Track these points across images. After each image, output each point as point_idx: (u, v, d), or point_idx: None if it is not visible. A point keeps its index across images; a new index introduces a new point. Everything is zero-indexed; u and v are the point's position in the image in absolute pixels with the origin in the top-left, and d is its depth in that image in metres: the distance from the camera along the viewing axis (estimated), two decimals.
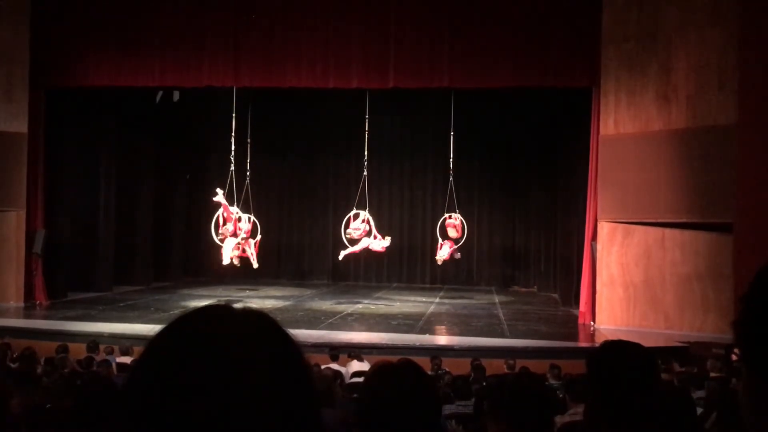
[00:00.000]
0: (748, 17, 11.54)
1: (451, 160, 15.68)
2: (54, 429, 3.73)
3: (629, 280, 13.18)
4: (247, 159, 15.90)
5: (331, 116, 19.94)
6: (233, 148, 15.24)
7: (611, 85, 13.39)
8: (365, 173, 15.46)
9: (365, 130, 15.53)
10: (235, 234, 15.03)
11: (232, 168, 15.19)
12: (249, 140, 16.12)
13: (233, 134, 15.29)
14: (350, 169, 19.16)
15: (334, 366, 8.63)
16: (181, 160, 21.11)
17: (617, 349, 2.23)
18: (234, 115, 15.35)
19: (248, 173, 15.70)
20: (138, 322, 12.24)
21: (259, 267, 15.92)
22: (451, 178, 15.75)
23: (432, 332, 12.78)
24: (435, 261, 16.41)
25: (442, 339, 12.34)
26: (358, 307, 15.71)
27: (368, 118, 15.49)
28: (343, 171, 20.87)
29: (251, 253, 15.38)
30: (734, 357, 7.44)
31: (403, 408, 1.81)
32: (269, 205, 20.23)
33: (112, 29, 14.74)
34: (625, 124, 13.32)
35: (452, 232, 16.01)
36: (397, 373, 1.91)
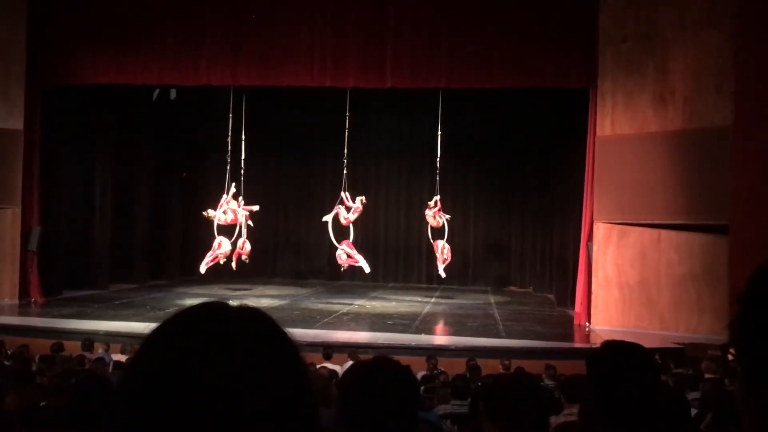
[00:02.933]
0: (744, 19, 11.55)
1: (438, 159, 15.73)
2: (49, 427, 3.72)
3: (625, 281, 13.19)
4: (241, 157, 15.88)
5: (327, 115, 19.88)
6: (229, 149, 15.26)
7: (608, 87, 13.40)
8: (345, 172, 15.48)
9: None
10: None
11: (228, 168, 15.22)
12: (243, 138, 16.06)
13: (230, 135, 15.30)
14: (346, 168, 19.16)
15: (330, 365, 8.63)
16: (177, 158, 21.07)
17: (618, 349, 2.23)
18: (231, 115, 15.35)
19: (242, 170, 15.66)
20: (134, 320, 12.21)
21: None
22: (438, 178, 15.81)
23: (428, 332, 12.78)
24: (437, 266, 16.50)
25: (438, 339, 12.34)
26: (354, 306, 15.71)
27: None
28: (338, 170, 20.82)
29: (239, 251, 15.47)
30: (730, 357, 7.45)
31: (377, 401, 1.83)
32: (265, 203, 20.16)
33: (110, 27, 14.72)
34: (621, 125, 13.34)
35: (432, 221, 16.13)
36: (370, 368, 1.94)
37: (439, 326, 13.71)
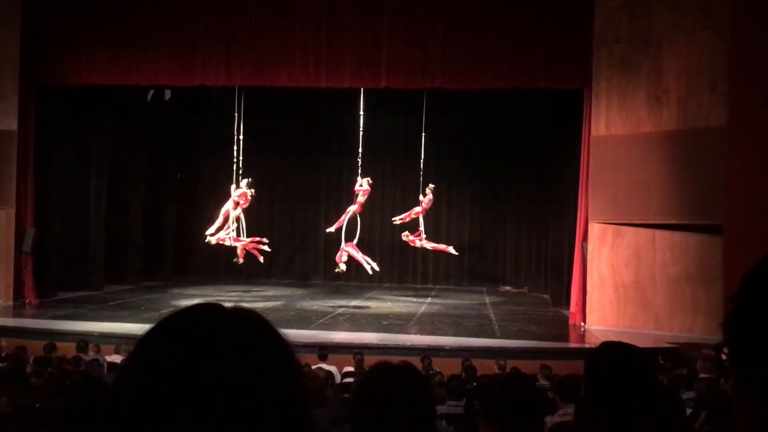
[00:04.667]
0: (738, 19, 11.59)
1: (423, 160, 15.85)
2: (43, 428, 3.71)
3: (619, 281, 13.22)
4: (233, 157, 15.85)
5: (323, 114, 19.90)
6: (236, 148, 15.24)
7: (602, 87, 13.43)
8: (359, 171, 15.48)
9: (359, 129, 15.57)
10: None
11: (240, 170, 15.23)
12: (235, 138, 16.04)
13: (237, 136, 15.29)
14: (342, 168, 19.18)
15: (325, 366, 8.62)
16: (172, 158, 21.04)
17: (617, 350, 2.24)
18: (237, 114, 15.32)
19: (233, 169, 15.65)
20: (128, 322, 12.20)
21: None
22: (421, 179, 15.92)
23: (423, 332, 12.79)
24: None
25: (433, 339, 12.33)
26: (350, 306, 15.70)
27: (361, 116, 15.50)
28: (335, 170, 20.85)
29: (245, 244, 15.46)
30: (723, 356, 7.47)
31: (395, 409, 1.80)
32: (261, 203, 20.16)
33: (104, 28, 14.69)
34: (616, 125, 13.37)
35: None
36: (391, 374, 1.90)
37: (435, 326, 13.70)
